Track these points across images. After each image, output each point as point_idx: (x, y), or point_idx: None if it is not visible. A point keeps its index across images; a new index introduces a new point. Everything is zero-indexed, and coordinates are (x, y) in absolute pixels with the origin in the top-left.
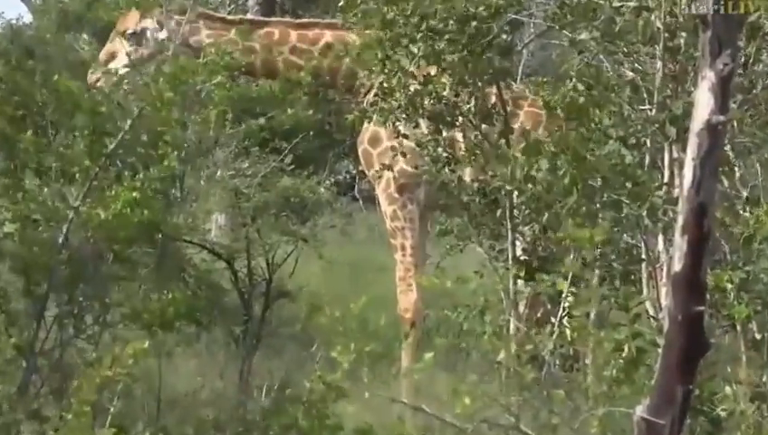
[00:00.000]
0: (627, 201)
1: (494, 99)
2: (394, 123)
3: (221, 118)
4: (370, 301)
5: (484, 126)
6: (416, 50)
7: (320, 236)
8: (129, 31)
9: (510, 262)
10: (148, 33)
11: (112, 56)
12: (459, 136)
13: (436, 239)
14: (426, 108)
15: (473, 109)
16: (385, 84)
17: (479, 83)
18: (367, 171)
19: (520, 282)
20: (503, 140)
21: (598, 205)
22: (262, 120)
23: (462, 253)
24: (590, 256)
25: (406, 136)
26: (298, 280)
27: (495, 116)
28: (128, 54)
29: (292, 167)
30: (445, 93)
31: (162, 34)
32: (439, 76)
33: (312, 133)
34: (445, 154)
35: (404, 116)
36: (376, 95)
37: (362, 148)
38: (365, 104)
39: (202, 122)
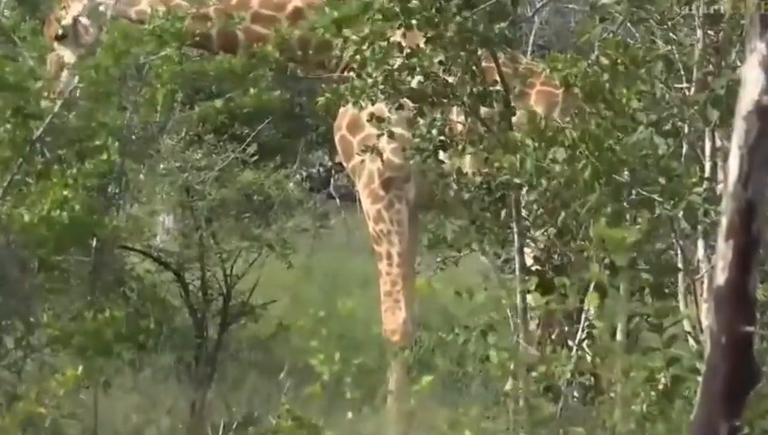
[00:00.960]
0: (660, 199)
1: (496, 75)
2: (369, 105)
3: (170, 99)
4: (349, 320)
5: (484, 109)
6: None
7: (289, 241)
8: (60, 33)
9: (519, 272)
10: (81, 23)
11: (61, 66)
12: (459, 117)
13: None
14: (407, 86)
15: (469, 87)
16: (358, 57)
17: (474, 57)
18: (345, 163)
19: (531, 296)
20: (506, 125)
21: (625, 204)
22: (218, 102)
23: (459, 264)
24: (622, 263)
25: (381, 120)
26: (262, 295)
27: (495, 96)
28: (71, 57)
29: (256, 158)
30: (433, 69)
31: (94, 16)
32: (427, 47)
33: (279, 118)
34: (439, 138)
35: (381, 96)
36: (353, 69)
37: (340, 135)
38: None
39: (147, 104)
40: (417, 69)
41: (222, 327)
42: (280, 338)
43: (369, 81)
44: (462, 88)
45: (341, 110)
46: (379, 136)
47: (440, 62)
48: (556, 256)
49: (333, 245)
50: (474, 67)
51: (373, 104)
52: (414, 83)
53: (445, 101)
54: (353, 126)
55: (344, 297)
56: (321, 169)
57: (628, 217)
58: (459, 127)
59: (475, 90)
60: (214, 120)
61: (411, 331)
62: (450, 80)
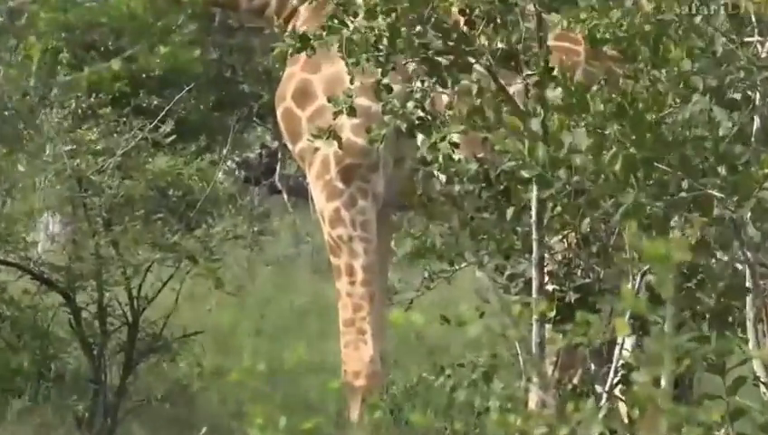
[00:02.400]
0: (719, 196)
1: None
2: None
3: (52, 58)
4: (299, 366)
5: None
6: None
7: (217, 251)
8: None
9: (534, 294)
10: None
11: None
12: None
13: (405, 262)
14: (422, 42)
15: (493, 42)
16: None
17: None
18: (291, 146)
19: (546, 326)
20: (534, 95)
21: (668, 204)
22: (117, 63)
23: (450, 281)
24: (664, 283)
25: (389, 89)
26: (181, 323)
27: (523, 55)
28: None
29: (172, 138)
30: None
31: None
32: None
33: (202, 84)
34: (419, 114)
35: (380, 55)
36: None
37: (284, 107)
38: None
39: (20, 65)
40: (432, 19)
41: (126, 368)
42: (203, 384)
43: (371, 34)
44: (482, 44)
45: (286, 72)
46: (336, 114)
47: (461, 12)
48: (579, 272)
49: (278, 256)
50: (502, 18)
51: (381, 67)
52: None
53: (471, 61)
54: (301, 95)
55: (291, 329)
56: (263, 154)
57: (674, 221)
58: (444, 98)
59: (501, 46)
60: (110, 86)
61: (381, 372)
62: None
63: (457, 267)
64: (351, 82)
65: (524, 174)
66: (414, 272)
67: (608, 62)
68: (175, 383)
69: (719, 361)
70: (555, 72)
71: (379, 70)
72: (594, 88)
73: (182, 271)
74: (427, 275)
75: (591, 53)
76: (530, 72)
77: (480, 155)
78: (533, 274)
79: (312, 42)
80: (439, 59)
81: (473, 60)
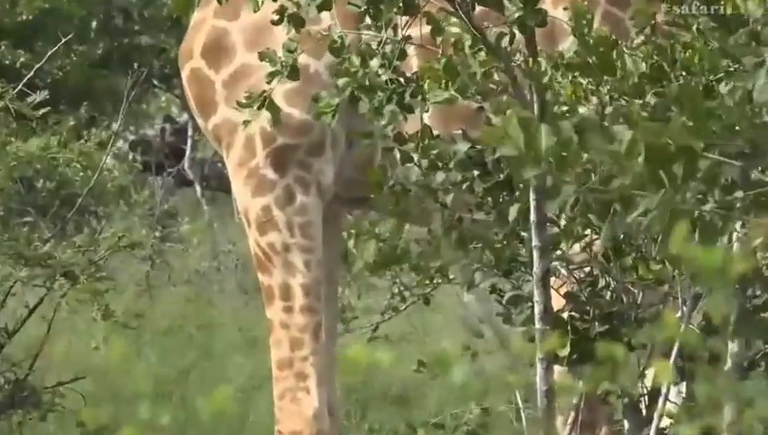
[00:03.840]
0: None
1: None
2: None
3: None
4: (219, 407)
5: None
6: None
7: (105, 265)
8: None
9: (537, 322)
10: None
11: None
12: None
13: (366, 274)
14: None
15: None
16: None
17: None
18: (201, 120)
19: (559, 368)
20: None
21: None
22: None
23: (431, 300)
24: (722, 305)
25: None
26: (56, 366)
27: None
28: None
29: (44, 110)
30: None
31: None
32: None
33: (84, 34)
34: (387, 78)
35: None
36: None
37: (191, 67)
38: None
39: None
40: None
41: None
42: None
43: None
44: None
45: (194, 18)
46: (271, 77)
47: None
48: (608, 294)
49: (189, 272)
50: None
51: (325, 8)
52: None
53: None
54: (215, 51)
55: (207, 372)
56: (167, 131)
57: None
58: (414, 62)
59: None
60: None
61: (329, 432)
62: None
63: (438, 282)
64: (297, 29)
65: (531, 172)
66: (378, 289)
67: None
68: None
69: None
70: (539, 6)
71: (325, 13)
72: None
73: (56, 293)
74: (396, 292)
75: None
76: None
77: (473, 133)
78: (535, 294)
79: None
80: None
81: None
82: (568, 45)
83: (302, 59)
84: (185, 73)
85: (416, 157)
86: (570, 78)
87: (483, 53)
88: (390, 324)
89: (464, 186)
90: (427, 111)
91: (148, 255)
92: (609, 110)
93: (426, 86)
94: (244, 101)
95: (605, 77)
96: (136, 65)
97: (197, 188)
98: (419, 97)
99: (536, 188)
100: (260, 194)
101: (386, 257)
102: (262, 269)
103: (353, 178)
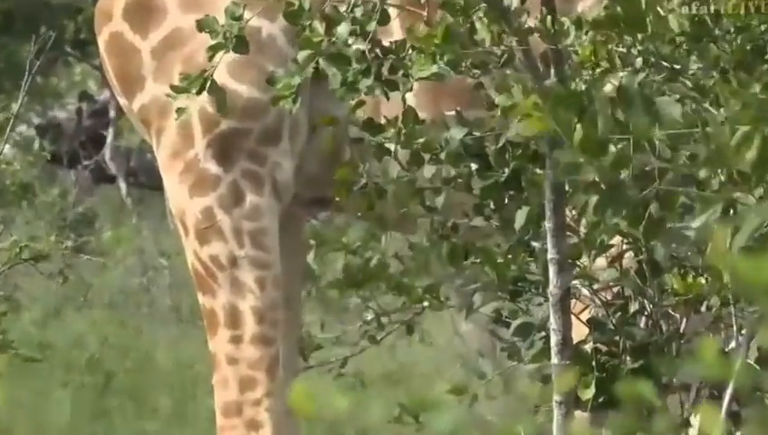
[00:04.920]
0: None
1: None
2: None
3: None
4: None
5: None
6: None
7: (4, 283)
8: None
9: (554, 357)
10: None
11: None
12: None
13: (334, 294)
14: None
15: None
16: None
17: None
18: (124, 100)
19: (581, 415)
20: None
21: None
22: None
23: (415, 327)
24: None
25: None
26: None
27: None
28: None
29: None
30: None
31: None
32: None
33: None
34: (365, 47)
35: None
36: None
37: (110, 32)
38: None
39: None
40: None
41: None
42: None
43: None
44: None
45: None
46: (213, 52)
47: None
48: (641, 320)
49: (111, 293)
50: None
51: None
52: None
53: None
54: (140, 12)
55: (134, 426)
56: (83, 112)
57: None
58: (395, 27)
59: None
60: None
61: None
62: None
63: (424, 306)
64: None
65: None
66: (350, 313)
67: None
68: None
69: None
70: None
71: None
72: None
73: None
74: (370, 317)
75: None
76: None
77: (471, 114)
78: (551, 321)
79: None
80: None
81: None
82: (590, 2)
83: (253, 21)
84: (102, 39)
85: (394, 148)
86: (594, 39)
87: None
88: (367, 359)
89: (458, 184)
90: (410, 90)
91: (58, 269)
92: (639, 78)
93: (411, 58)
94: (178, 82)
95: (638, 35)
96: (43, 28)
97: (122, 185)
98: (400, 72)
99: (554, 186)
100: (200, 193)
101: (357, 273)
102: (203, 289)
103: (318, 173)
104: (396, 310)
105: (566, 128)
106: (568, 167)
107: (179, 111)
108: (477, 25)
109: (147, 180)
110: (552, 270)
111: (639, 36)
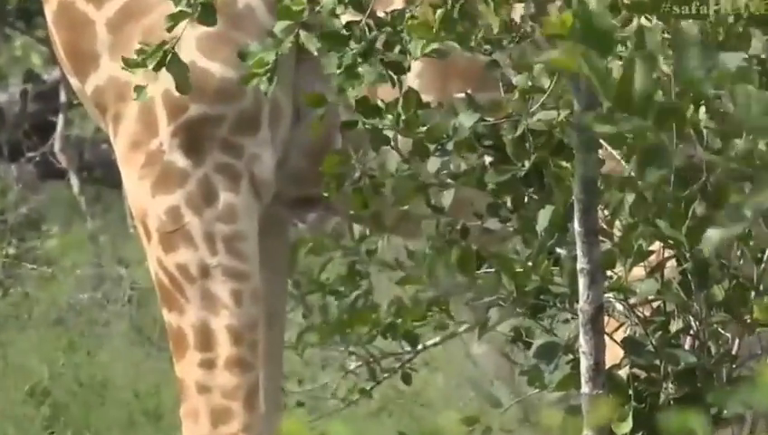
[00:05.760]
0: None
1: None
2: None
3: None
4: None
5: None
6: None
7: None
8: None
9: (584, 384)
10: None
11: None
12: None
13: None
14: None
15: None
16: None
17: None
18: (77, 80)
19: None
20: None
21: None
22: None
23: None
24: None
25: None
26: None
27: None
28: None
29: None
30: None
31: None
32: None
33: None
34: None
35: None
36: None
37: (58, 0)
38: None
39: None
40: None
41: None
42: None
43: None
44: None
45: None
46: (175, 22)
47: None
48: (686, 341)
49: (60, 307)
50: None
51: None
52: None
53: None
54: None
55: None
56: (27, 95)
57: None
58: None
59: None
60: None
61: None
62: None
63: (427, 322)
64: None
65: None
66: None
67: None
68: None
69: None
70: None
71: None
72: None
73: None
74: (354, 366)
75: None
76: None
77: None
78: (581, 341)
79: None
80: None
81: None
82: None
83: None
84: (50, 9)
85: (393, 135)
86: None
87: None
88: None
89: (469, 178)
90: (408, 69)
91: None
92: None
93: (409, 31)
94: (135, 55)
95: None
96: None
97: (73, 181)
98: (397, 48)
99: (584, 181)
100: (164, 190)
101: (338, 317)
102: (168, 304)
103: (304, 167)
104: (388, 354)
105: (598, 72)
106: (597, 126)
107: (138, 90)
108: (480, 8)
109: (103, 176)
110: (581, 281)
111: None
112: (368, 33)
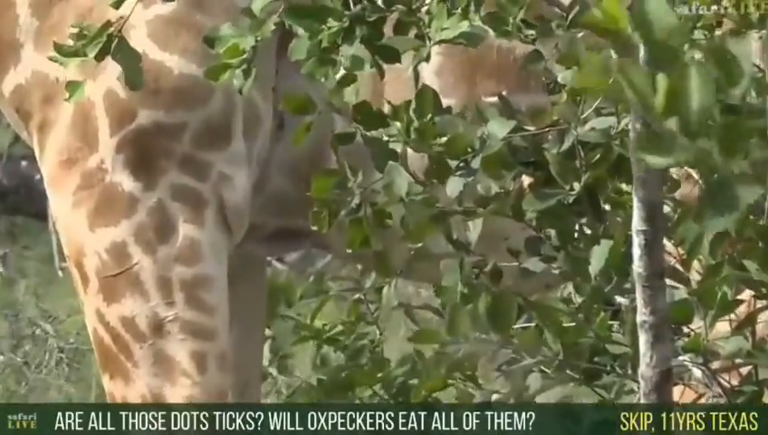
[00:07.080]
0: None
1: None
2: None
3: None
4: None
5: None
6: None
7: None
8: None
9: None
10: None
11: None
12: None
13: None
14: None
15: None
16: None
17: None
18: None
19: None
20: None
21: None
22: None
23: None
24: None
25: None
26: None
27: None
28: None
29: None
30: None
31: None
32: None
33: None
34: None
35: None
36: None
37: None
38: None
39: None
40: None
41: None
42: None
43: None
44: None
45: None
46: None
47: None
48: None
49: None
50: None
51: None
52: None
53: None
54: None
55: None
56: None
57: None
58: None
59: None
60: None
61: None
62: None
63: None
64: None
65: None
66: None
67: None
68: None
69: None
70: None
71: None
72: None
73: None
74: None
75: None
76: None
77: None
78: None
79: None
80: None
81: None
82: None
83: None
84: None
85: (402, 149)
86: None
87: None
88: None
89: (501, 205)
90: (426, 60)
91: None
92: None
93: (430, 10)
94: (69, 42)
95: None
96: None
97: None
98: (413, 32)
99: (648, 208)
100: (106, 221)
101: (336, 374)
102: (110, 369)
103: (287, 191)
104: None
105: (640, 85)
106: (648, 148)
107: (72, 88)
108: None
109: (25, 201)
110: (642, 339)
111: None
112: (352, 7)
